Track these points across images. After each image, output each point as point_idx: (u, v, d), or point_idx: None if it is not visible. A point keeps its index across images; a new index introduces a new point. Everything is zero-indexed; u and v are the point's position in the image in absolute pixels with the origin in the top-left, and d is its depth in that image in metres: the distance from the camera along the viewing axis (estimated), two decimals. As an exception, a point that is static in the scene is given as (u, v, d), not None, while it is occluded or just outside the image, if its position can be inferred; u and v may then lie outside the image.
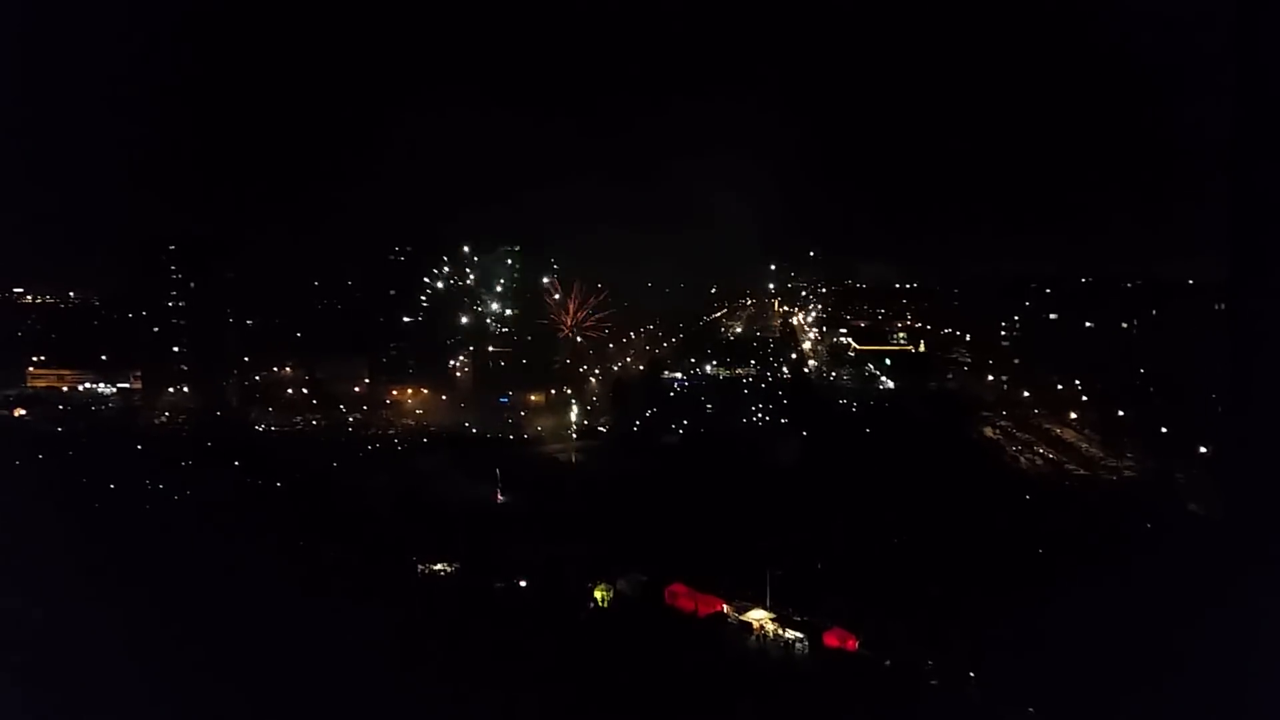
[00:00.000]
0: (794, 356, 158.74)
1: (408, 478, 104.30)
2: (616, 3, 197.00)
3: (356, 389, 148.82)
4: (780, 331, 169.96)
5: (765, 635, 66.51)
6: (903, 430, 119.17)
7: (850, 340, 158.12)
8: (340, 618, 61.28)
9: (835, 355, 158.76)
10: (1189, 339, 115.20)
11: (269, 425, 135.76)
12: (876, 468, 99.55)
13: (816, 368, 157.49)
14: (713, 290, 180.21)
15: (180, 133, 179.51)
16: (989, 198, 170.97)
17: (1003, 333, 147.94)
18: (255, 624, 57.56)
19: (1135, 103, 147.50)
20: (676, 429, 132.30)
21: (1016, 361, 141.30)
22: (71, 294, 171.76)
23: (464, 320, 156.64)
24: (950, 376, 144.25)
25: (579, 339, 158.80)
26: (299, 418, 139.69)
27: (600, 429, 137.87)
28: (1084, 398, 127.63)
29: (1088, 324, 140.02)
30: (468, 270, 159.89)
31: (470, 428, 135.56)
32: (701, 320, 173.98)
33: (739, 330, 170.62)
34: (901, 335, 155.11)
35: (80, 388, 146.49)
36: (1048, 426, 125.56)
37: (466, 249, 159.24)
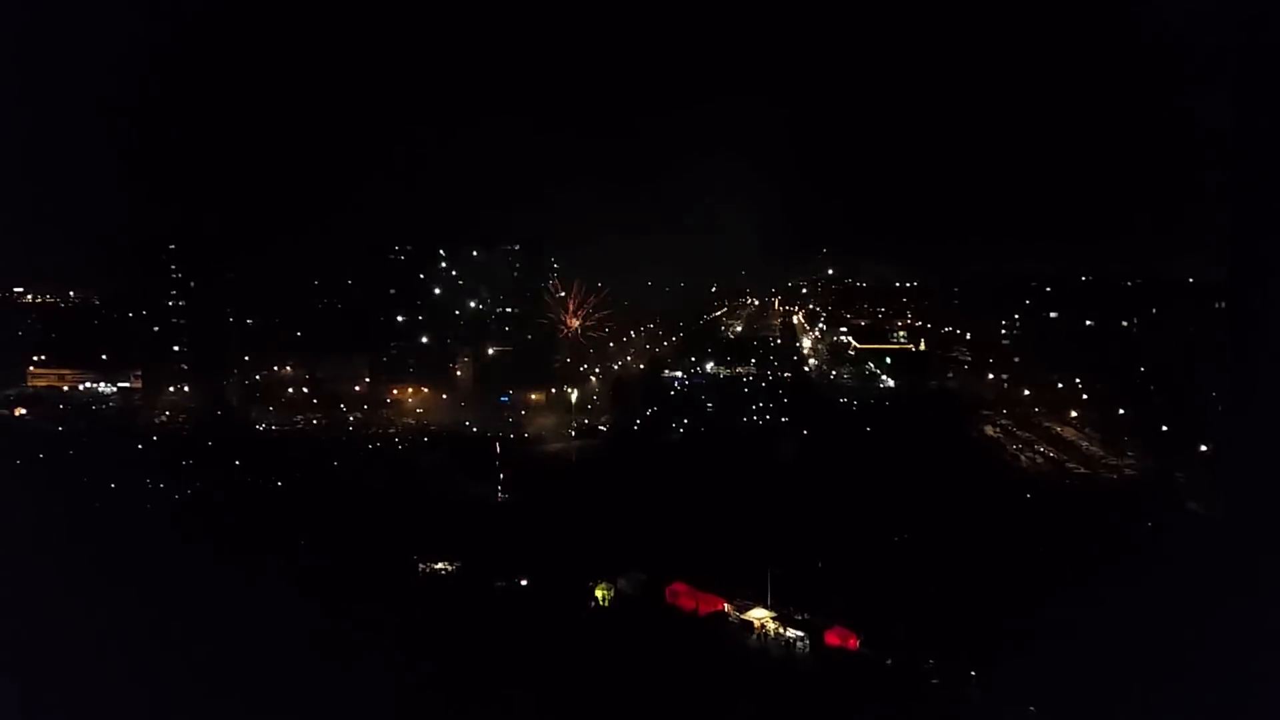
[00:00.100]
0: (794, 356, 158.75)
1: (408, 476, 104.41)
2: (616, 4, 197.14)
3: (357, 388, 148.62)
4: (780, 330, 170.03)
5: (766, 634, 66.48)
6: (903, 428, 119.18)
7: (850, 339, 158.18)
8: (341, 616, 61.42)
9: (835, 354, 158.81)
10: (1189, 339, 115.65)
11: (269, 424, 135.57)
12: (877, 466, 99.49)
13: (817, 366, 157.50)
14: (713, 289, 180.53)
15: (180, 133, 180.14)
16: (989, 197, 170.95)
17: (1003, 332, 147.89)
18: (256, 623, 57.60)
19: (1135, 103, 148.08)
20: (677, 428, 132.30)
21: (1016, 360, 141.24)
22: (71, 294, 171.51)
23: (464, 320, 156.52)
24: (950, 375, 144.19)
25: (579, 338, 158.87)
26: (299, 417, 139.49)
27: (601, 428, 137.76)
28: (1084, 397, 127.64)
29: (1088, 323, 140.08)
30: (468, 270, 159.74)
31: (471, 426, 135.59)
32: (702, 319, 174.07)
33: (739, 329, 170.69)
34: (902, 334, 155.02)
35: (81, 387, 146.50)
36: (1048, 425, 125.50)
37: (466, 249, 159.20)
